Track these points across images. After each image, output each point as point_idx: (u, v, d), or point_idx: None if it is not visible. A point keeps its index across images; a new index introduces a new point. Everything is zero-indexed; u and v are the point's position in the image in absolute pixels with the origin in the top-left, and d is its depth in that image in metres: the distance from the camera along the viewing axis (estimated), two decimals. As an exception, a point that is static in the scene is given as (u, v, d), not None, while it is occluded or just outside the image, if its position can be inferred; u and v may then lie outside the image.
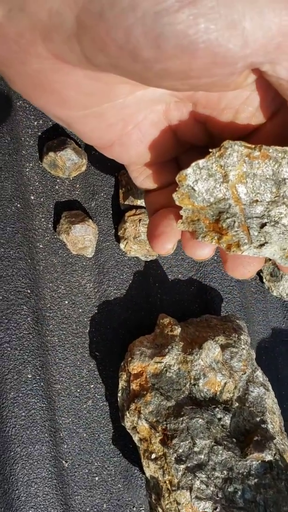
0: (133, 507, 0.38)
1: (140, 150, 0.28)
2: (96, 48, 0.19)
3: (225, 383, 0.34)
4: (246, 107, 0.25)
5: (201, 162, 0.23)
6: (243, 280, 0.42)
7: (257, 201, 0.23)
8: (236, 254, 0.24)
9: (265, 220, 0.23)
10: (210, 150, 0.23)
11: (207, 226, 0.24)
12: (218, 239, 0.24)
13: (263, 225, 0.23)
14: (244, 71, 0.20)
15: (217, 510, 0.30)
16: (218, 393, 0.34)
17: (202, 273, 0.41)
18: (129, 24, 0.17)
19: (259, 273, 0.42)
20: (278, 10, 0.18)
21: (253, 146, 0.23)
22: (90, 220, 0.36)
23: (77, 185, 0.38)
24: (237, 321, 0.38)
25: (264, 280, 0.42)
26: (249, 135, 0.27)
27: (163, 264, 0.40)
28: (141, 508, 0.38)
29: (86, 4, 0.18)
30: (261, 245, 0.24)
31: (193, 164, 0.23)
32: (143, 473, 0.36)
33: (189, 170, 0.23)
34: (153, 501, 0.33)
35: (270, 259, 0.41)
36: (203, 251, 0.26)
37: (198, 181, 0.23)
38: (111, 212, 0.38)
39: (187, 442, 0.31)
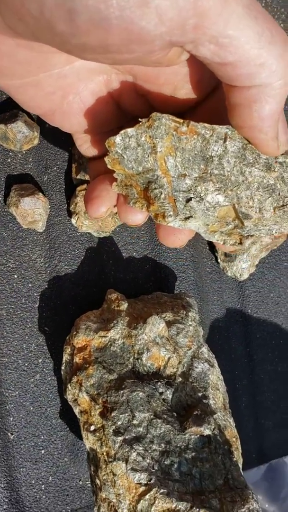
0: (79, 481, 0.38)
1: (81, 119, 0.28)
2: (15, 18, 0.19)
3: (169, 358, 0.34)
4: (185, 84, 0.26)
5: (129, 130, 0.23)
6: (197, 259, 0.42)
7: (185, 175, 0.23)
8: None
9: (191, 195, 0.24)
10: (140, 120, 0.23)
11: (138, 193, 0.24)
12: (147, 207, 0.24)
13: (188, 200, 0.24)
14: (167, 48, 0.20)
15: (152, 481, 0.30)
16: (161, 368, 0.34)
17: (157, 251, 0.41)
18: None
19: (214, 253, 0.42)
20: None
21: (182, 121, 0.23)
22: (41, 194, 0.36)
23: (30, 159, 0.37)
24: (187, 298, 0.38)
25: (219, 260, 0.42)
26: (189, 110, 0.27)
27: (118, 242, 0.40)
28: (87, 482, 0.38)
29: None
30: (186, 219, 0.24)
31: (122, 132, 0.23)
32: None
33: (117, 138, 0.23)
34: (92, 472, 0.33)
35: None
36: (136, 216, 0.26)
37: (127, 149, 0.23)
38: (64, 186, 0.38)
39: (126, 414, 0.31)
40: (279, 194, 0.24)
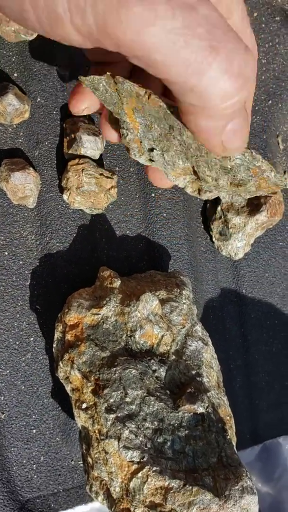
0: (71, 461, 0.38)
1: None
2: None
3: (162, 336, 0.34)
4: None
5: (97, 78, 0.24)
6: (192, 238, 0.41)
7: (151, 127, 0.24)
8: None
9: (154, 147, 0.25)
10: (108, 72, 0.24)
11: (112, 118, 0.27)
12: (118, 137, 0.28)
13: (151, 149, 0.25)
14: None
15: (144, 459, 0.29)
16: (154, 345, 0.34)
17: (151, 230, 0.40)
18: None
19: (208, 232, 0.42)
20: None
21: (144, 91, 0.23)
22: (31, 169, 0.35)
23: (21, 133, 0.36)
24: (181, 277, 0.37)
25: (214, 239, 0.41)
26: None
27: (111, 219, 0.39)
28: (79, 462, 0.38)
29: None
30: (151, 160, 0.26)
31: (89, 77, 0.24)
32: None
33: (87, 81, 0.24)
34: (84, 451, 0.32)
35: (220, 217, 0.40)
36: (112, 135, 0.28)
37: (97, 90, 0.25)
38: (55, 162, 0.37)
39: (119, 392, 0.31)
40: (234, 176, 0.25)
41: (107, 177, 0.36)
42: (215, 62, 0.19)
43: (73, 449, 0.38)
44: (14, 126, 0.36)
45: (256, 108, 0.44)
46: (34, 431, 0.36)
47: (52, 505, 0.37)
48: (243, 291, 0.43)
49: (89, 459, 0.32)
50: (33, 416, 0.36)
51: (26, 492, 0.36)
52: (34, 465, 0.36)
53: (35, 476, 0.36)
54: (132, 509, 0.29)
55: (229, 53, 0.19)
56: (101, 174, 0.36)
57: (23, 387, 0.36)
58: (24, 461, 0.36)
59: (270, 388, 0.45)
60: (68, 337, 0.33)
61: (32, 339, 0.36)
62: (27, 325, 0.36)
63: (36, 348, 0.37)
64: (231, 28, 0.19)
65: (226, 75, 0.19)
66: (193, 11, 0.18)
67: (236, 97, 0.20)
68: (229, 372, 0.43)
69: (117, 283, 0.35)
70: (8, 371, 0.36)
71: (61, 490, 0.37)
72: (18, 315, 0.36)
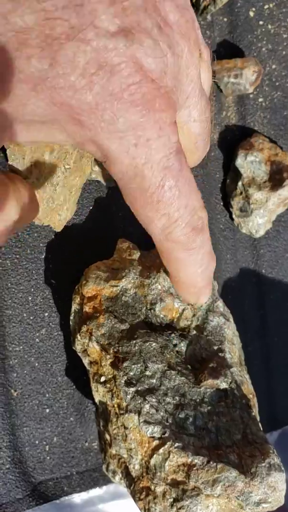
0: (85, 442, 0.36)
1: None
2: None
3: (183, 310, 0.32)
4: None
5: None
6: (211, 215, 0.40)
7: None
8: None
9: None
10: None
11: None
12: None
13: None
14: None
15: (166, 435, 0.28)
16: (175, 319, 0.32)
17: (168, 205, 0.39)
18: None
19: (228, 209, 0.40)
20: None
21: None
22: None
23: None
24: (201, 252, 0.36)
25: (234, 215, 0.40)
26: None
27: (128, 194, 0.38)
28: (93, 444, 0.36)
29: None
30: None
31: None
32: (95, 405, 0.34)
33: None
34: (101, 428, 0.31)
35: (241, 192, 0.39)
36: None
37: None
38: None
39: (139, 365, 0.29)
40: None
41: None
42: None
43: (87, 430, 0.36)
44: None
45: (277, 84, 0.42)
46: (48, 410, 0.35)
47: (65, 488, 0.35)
48: (263, 271, 0.42)
49: (107, 436, 0.30)
50: (47, 395, 0.35)
51: (38, 474, 0.35)
52: (47, 446, 0.35)
53: (48, 458, 0.35)
54: (152, 487, 0.28)
55: None
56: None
57: (36, 364, 0.35)
58: (37, 442, 0.35)
59: (290, 372, 0.43)
60: (86, 309, 0.31)
61: (46, 314, 0.35)
62: (41, 300, 0.35)
63: (50, 323, 0.35)
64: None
65: None
66: None
67: None
68: (247, 354, 0.41)
69: (137, 254, 0.33)
70: (21, 347, 0.34)
71: (74, 473, 0.36)
72: (32, 289, 0.35)
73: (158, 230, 0.23)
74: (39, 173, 0.30)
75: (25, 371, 0.34)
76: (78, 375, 0.36)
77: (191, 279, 0.27)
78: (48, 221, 0.32)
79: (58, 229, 0.33)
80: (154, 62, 0.19)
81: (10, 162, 0.29)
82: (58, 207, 0.32)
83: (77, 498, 0.36)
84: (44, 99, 0.18)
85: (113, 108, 0.18)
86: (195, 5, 0.39)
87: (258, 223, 0.39)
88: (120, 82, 0.18)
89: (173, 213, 0.22)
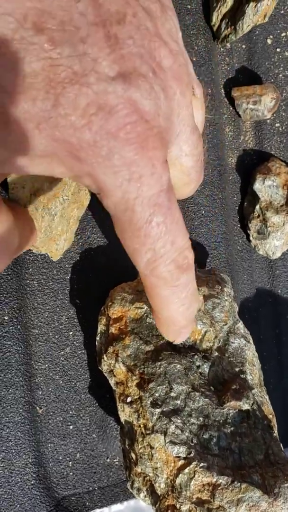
0: (107, 458, 0.37)
1: None
2: None
3: (206, 332, 0.33)
4: None
5: None
6: (229, 236, 0.41)
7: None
8: None
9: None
10: None
11: None
12: None
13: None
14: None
15: (191, 455, 0.29)
16: (198, 341, 0.33)
17: (189, 227, 0.40)
18: None
19: (245, 231, 0.42)
20: None
21: None
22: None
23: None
24: (221, 274, 0.37)
25: (251, 237, 0.41)
26: None
27: (149, 216, 0.39)
28: (115, 460, 0.37)
29: None
30: None
31: None
32: (119, 423, 0.35)
33: None
34: (127, 447, 0.32)
35: (258, 215, 0.40)
36: None
37: None
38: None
39: (164, 386, 0.30)
40: None
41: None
42: None
43: (109, 446, 0.37)
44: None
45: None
46: (71, 427, 0.36)
47: (87, 503, 0.36)
48: (279, 291, 0.43)
49: (132, 455, 0.31)
50: (70, 412, 0.36)
51: (61, 489, 0.36)
52: (70, 462, 0.36)
53: (71, 473, 0.36)
54: (178, 505, 0.29)
55: None
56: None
57: (61, 382, 0.36)
58: (60, 458, 0.36)
59: (304, 390, 0.44)
60: (112, 330, 0.32)
61: (71, 333, 0.36)
62: (66, 319, 0.36)
63: (75, 342, 0.36)
64: None
65: None
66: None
67: None
68: (263, 373, 0.42)
69: (160, 277, 0.34)
70: (47, 365, 0.35)
71: (96, 488, 0.37)
72: (58, 309, 0.36)
73: (143, 263, 0.23)
74: (38, 203, 0.31)
75: (50, 389, 0.35)
76: (101, 393, 0.36)
77: (172, 317, 0.27)
78: (45, 250, 0.33)
79: (55, 258, 0.34)
80: (149, 104, 0.20)
81: (10, 191, 0.30)
82: (56, 236, 0.33)
83: (99, 513, 0.37)
84: (46, 137, 0.19)
85: (110, 145, 0.19)
86: (216, 34, 0.41)
87: (275, 245, 0.40)
88: (117, 121, 0.19)
89: (159, 249, 0.23)
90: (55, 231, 0.32)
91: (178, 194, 0.27)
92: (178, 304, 0.26)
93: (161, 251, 0.23)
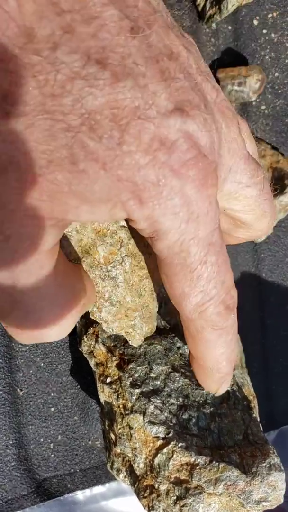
0: (88, 440, 0.37)
1: None
2: None
3: (187, 313, 0.33)
4: None
5: None
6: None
7: None
8: None
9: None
10: None
11: None
12: None
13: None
14: None
15: (170, 435, 0.29)
16: (179, 322, 0.33)
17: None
18: None
19: (230, 214, 0.41)
20: None
21: None
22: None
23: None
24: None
25: (235, 221, 0.41)
26: None
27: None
28: (97, 442, 0.37)
29: None
30: None
31: None
32: (100, 405, 0.35)
33: None
34: (106, 427, 0.32)
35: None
36: None
37: None
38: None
39: (144, 367, 0.30)
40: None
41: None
42: None
43: (91, 428, 0.37)
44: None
45: (280, 91, 0.43)
46: (52, 409, 0.36)
47: (69, 485, 0.36)
48: (263, 275, 0.43)
49: (112, 435, 0.31)
50: (52, 394, 0.36)
51: (42, 471, 0.36)
52: (51, 444, 0.36)
53: (52, 455, 0.36)
54: (156, 485, 0.29)
55: None
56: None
57: (42, 364, 0.36)
58: (42, 440, 0.36)
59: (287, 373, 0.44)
60: (93, 311, 0.32)
61: (52, 315, 0.36)
62: (47, 301, 0.36)
63: (56, 324, 0.36)
64: None
65: None
66: None
67: None
68: (246, 356, 0.42)
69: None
70: (27, 347, 0.35)
71: (77, 470, 0.37)
72: (39, 291, 0.36)
73: (192, 306, 0.22)
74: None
75: (31, 371, 0.35)
76: (83, 375, 0.36)
77: (217, 362, 0.25)
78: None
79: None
80: (205, 137, 0.19)
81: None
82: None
83: (80, 495, 0.37)
84: (110, 177, 0.18)
85: (172, 184, 0.18)
86: (201, 14, 0.40)
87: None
88: (179, 157, 0.18)
89: (211, 290, 0.22)
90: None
91: (257, 229, 0.26)
92: (224, 348, 0.25)
93: (213, 292, 0.22)
